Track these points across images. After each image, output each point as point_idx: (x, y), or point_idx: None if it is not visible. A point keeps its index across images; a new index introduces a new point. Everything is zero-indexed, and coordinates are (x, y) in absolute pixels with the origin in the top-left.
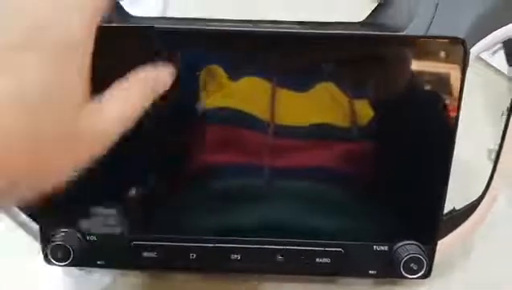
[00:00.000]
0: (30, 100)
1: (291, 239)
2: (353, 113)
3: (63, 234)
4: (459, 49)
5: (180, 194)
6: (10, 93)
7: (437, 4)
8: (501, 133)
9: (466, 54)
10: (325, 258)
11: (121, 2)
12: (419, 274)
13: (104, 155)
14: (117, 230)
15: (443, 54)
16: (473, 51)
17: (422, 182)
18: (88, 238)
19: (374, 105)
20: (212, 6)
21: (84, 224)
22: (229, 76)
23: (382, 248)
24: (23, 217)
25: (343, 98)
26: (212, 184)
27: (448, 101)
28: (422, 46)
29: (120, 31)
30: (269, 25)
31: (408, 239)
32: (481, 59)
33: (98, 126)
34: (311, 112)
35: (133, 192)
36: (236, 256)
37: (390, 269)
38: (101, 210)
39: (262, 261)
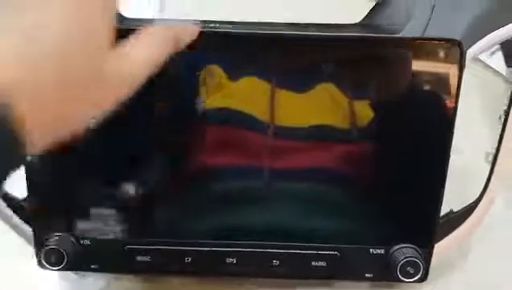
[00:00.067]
0: (55, 40)
1: (286, 243)
2: (353, 114)
3: (56, 238)
4: (455, 50)
5: (176, 197)
6: (35, 34)
7: (433, 6)
8: (498, 135)
9: (463, 55)
10: (321, 261)
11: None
12: (416, 277)
13: (101, 156)
14: (111, 234)
15: (440, 55)
16: (470, 52)
17: (418, 184)
18: (81, 242)
19: (374, 106)
20: (209, 6)
21: (78, 228)
22: (228, 76)
23: (379, 251)
24: (17, 219)
25: (343, 99)
26: (210, 186)
27: (444, 103)
28: (419, 47)
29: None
30: (267, 27)
31: (405, 242)
32: (479, 60)
33: (125, 69)
34: (310, 113)
35: (127, 195)
36: (231, 260)
37: (386, 272)
38: (94, 214)
39: (257, 265)
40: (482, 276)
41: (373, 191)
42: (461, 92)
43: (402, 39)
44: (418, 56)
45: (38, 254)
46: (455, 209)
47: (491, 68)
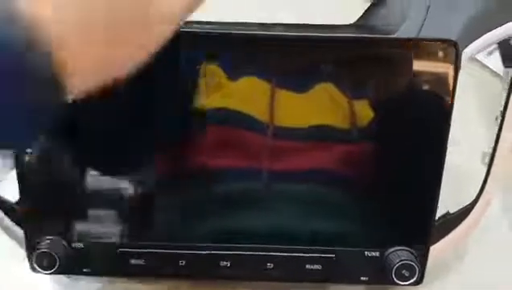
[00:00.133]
0: None
1: (281, 246)
2: (353, 114)
3: (48, 241)
4: (451, 51)
5: (171, 199)
6: None
7: (428, 6)
8: (495, 136)
9: (458, 55)
10: (316, 264)
11: None
12: (411, 280)
13: (94, 158)
14: (104, 238)
15: (435, 56)
16: (467, 52)
17: (414, 186)
18: (74, 245)
19: (373, 106)
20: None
21: (70, 231)
22: (228, 76)
23: (374, 254)
24: (8, 222)
25: (342, 99)
26: (207, 188)
27: (440, 103)
28: (414, 48)
29: None
30: (265, 27)
31: (400, 245)
32: (476, 60)
33: (166, 9)
34: (310, 113)
35: (120, 198)
36: (225, 263)
37: (381, 275)
38: (86, 217)
39: (251, 268)
40: (478, 278)
41: (370, 192)
42: (458, 92)
43: (397, 40)
44: (413, 56)
45: (30, 258)
46: (451, 211)
47: (488, 68)
